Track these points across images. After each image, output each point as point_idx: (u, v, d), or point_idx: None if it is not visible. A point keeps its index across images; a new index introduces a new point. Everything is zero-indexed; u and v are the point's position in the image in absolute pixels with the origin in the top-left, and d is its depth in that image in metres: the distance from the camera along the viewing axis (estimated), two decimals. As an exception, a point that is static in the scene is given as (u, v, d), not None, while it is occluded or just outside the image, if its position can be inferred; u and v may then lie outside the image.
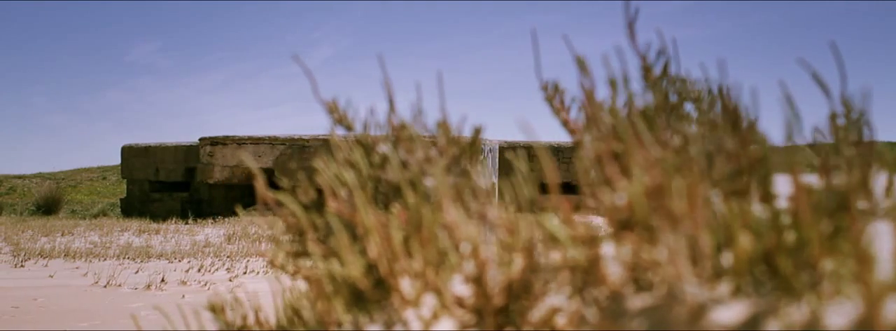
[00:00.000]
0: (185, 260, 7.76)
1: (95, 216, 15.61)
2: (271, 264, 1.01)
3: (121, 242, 9.64)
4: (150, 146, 16.26)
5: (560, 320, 0.65)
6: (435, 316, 0.73)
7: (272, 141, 14.27)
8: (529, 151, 14.40)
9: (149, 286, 5.77)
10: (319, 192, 0.88)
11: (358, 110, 0.94)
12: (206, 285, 5.98)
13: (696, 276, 0.54)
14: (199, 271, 6.86)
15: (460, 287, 0.73)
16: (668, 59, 0.81)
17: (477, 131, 0.90)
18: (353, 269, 0.75)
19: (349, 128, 0.94)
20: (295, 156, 14.20)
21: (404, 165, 0.86)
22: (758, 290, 0.55)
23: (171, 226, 12.25)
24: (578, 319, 0.65)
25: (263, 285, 6.07)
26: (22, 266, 7.15)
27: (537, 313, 0.67)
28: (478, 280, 0.68)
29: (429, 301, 0.74)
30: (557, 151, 15.39)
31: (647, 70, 0.83)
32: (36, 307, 4.84)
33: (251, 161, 0.87)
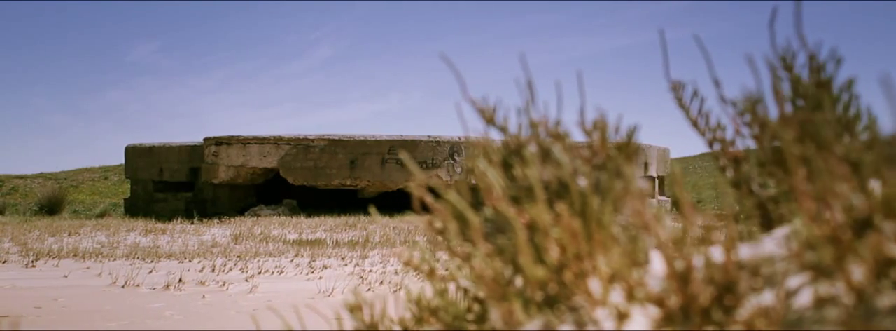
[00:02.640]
0: (196, 260, 7.73)
1: (99, 216, 15.56)
2: (406, 264, 1.01)
3: (128, 242, 9.61)
4: (154, 146, 16.20)
5: (760, 322, 0.65)
6: (626, 315, 0.73)
7: (277, 141, 14.22)
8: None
9: (167, 286, 5.75)
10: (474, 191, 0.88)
11: (509, 110, 0.94)
12: (223, 284, 5.96)
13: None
14: (213, 271, 6.84)
15: (654, 285, 0.73)
16: (838, 61, 0.82)
17: (632, 131, 0.90)
18: (537, 270, 0.75)
19: (502, 129, 0.94)
20: (300, 156, 14.16)
21: (562, 164, 0.86)
22: None
23: (177, 226, 12.21)
24: (779, 319, 0.65)
25: (284, 285, 6.06)
26: (33, 266, 7.12)
27: (744, 313, 0.67)
28: (683, 278, 0.68)
29: (617, 300, 0.74)
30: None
31: (816, 71, 0.83)
32: (58, 308, 4.82)
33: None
